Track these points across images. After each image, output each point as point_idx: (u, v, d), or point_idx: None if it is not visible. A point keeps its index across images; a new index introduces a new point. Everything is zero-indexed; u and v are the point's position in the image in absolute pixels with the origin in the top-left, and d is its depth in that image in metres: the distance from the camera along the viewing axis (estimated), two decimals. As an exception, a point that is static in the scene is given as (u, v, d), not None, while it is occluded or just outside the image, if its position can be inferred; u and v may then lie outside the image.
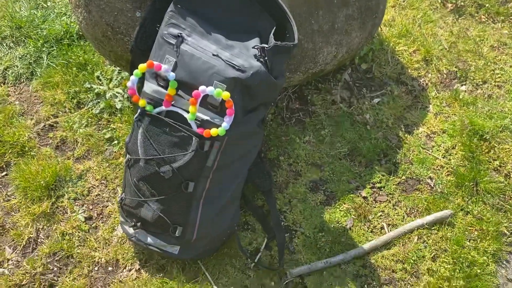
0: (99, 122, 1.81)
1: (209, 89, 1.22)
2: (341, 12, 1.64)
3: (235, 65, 1.23)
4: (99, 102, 1.84)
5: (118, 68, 1.89)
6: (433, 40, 2.08)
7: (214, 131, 1.25)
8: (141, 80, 1.35)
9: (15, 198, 1.65)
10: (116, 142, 1.76)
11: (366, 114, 1.82)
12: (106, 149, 1.76)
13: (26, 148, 1.75)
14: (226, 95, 1.22)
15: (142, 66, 1.26)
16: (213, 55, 1.24)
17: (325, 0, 1.59)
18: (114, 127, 1.79)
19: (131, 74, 1.47)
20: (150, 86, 1.31)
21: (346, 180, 1.69)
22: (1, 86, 1.93)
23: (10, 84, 1.94)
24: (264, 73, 1.24)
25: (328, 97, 1.88)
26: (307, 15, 1.57)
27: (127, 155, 1.40)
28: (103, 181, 1.69)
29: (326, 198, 1.65)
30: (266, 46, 1.21)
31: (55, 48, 1.98)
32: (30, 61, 1.97)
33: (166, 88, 1.29)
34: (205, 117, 1.28)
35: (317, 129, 1.80)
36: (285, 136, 1.78)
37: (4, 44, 2.04)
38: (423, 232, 1.56)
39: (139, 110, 1.34)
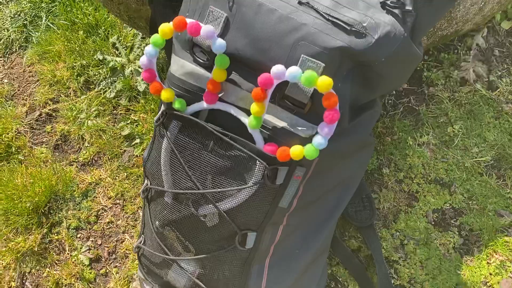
0: (115, 111, 1.25)
1: (292, 71, 0.61)
2: None
3: (345, 23, 0.61)
4: (115, 81, 1.27)
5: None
6: None
7: (297, 150, 0.65)
8: (167, 54, 0.77)
9: (-5, 224, 1.14)
10: (138, 141, 1.20)
11: (520, 102, 1.16)
12: (124, 151, 1.20)
13: (13, 149, 1.22)
14: (325, 83, 0.60)
15: (166, 28, 0.66)
16: (300, 3, 0.63)
17: None
18: (136, 118, 1.22)
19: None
20: (180, 65, 0.72)
21: (493, 211, 1.05)
22: (-13, 57, 1.41)
23: (-1, 55, 1.40)
24: (401, 38, 0.62)
25: (455, 73, 1.22)
26: None
27: (146, 180, 0.83)
28: (118, 201, 1.15)
29: (463, 241, 1.03)
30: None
31: (57, 3, 1.41)
32: (25, 21, 1.42)
33: (209, 68, 0.69)
34: (280, 124, 0.68)
35: (440, 124, 1.16)
36: (389, 136, 1.16)
37: (-6, 0, 1.49)
38: None
39: (161, 108, 0.76)
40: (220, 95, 0.70)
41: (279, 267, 0.82)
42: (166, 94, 0.71)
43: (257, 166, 0.69)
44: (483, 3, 1.05)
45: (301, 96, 0.64)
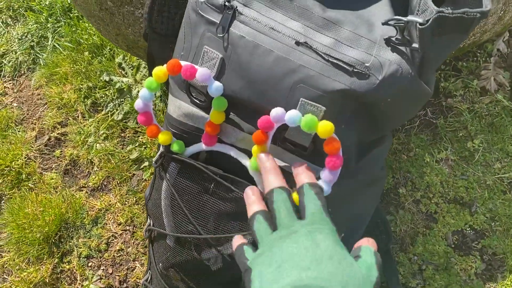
0: (123, 134, 1.23)
1: (291, 115, 0.57)
2: None
3: (346, 64, 0.57)
4: (122, 102, 1.25)
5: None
6: None
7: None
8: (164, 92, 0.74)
9: (8, 253, 1.14)
10: (146, 164, 1.18)
11: (546, 113, 1.09)
12: (133, 175, 1.18)
13: (23, 176, 1.22)
14: (326, 128, 0.56)
15: (160, 72, 0.63)
16: (297, 43, 0.58)
17: None
18: (144, 141, 1.20)
19: (150, 75, 0.86)
20: (177, 105, 0.69)
21: (519, 232, 1.00)
22: (-3, 80, 1.40)
23: (8, 77, 1.40)
24: (408, 77, 0.57)
25: (475, 83, 1.15)
26: None
27: (148, 220, 0.81)
28: (128, 227, 1.13)
29: (485, 266, 0.98)
30: (419, 20, 0.52)
31: (62, 23, 1.39)
32: (32, 43, 1.41)
33: (207, 109, 0.66)
34: (281, 163, 0.64)
35: (459, 139, 1.11)
36: (405, 152, 1.11)
37: None
38: None
39: (160, 150, 0.73)
40: (219, 136, 0.67)
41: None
42: (163, 137, 0.68)
43: (259, 210, 0.66)
44: (502, 12, 0.98)
45: (302, 139, 0.61)
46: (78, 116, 1.27)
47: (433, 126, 1.14)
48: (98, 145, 1.22)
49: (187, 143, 0.69)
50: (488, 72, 1.18)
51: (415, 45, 0.55)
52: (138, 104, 0.67)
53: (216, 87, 0.61)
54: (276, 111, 0.58)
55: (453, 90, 1.16)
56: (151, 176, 1.17)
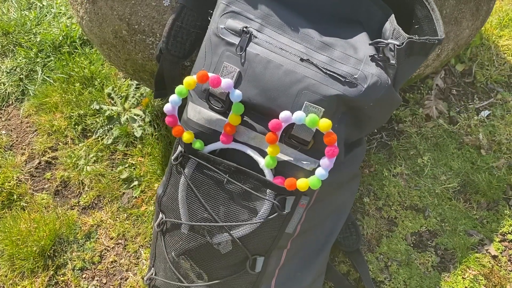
0: (113, 156, 1.33)
1: (297, 115, 0.74)
2: (451, -8, 1.15)
3: (339, 75, 0.75)
4: (111, 128, 1.36)
5: (135, 81, 1.42)
6: (546, 30, 1.58)
7: (303, 183, 0.77)
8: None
9: (0, 270, 1.18)
10: (136, 183, 1.28)
11: (478, 134, 1.33)
12: (123, 193, 1.28)
13: (15, 196, 1.27)
14: (325, 124, 0.73)
15: (190, 80, 0.77)
16: (302, 59, 0.76)
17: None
18: (133, 162, 1.31)
19: (156, 96, 1.00)
20: (198, 111, 0.83)
21: (464, 231, 1.19)
22: (-17, 110, 1.46)
23: (-5, 107, 1.46)
24: (386, 86, 0.76)
25: (420, 111, 1.38)
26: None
27: (160, 215, 0.92)
28: (120, 241, 1.21)
29: (439, 259, 1.16)
30: (396, 43, 0.72)
31: (52, 58, 1.50)
32: (21, 76, 1.50)
33: (223, 113, 0.81)
34: (286, 158, 0.79)
35: (410, 156, 1.31)
36: (367, 168, 1.29)
37: (-13, 55, 1.57)
38: None
39: (178, 149, 0.86)
40: (234, 136, 0.81)
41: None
42: (187, 136, 0.81)
43: (267, 196, 0.80)
44: (439, 50, 1.22)
45: (305, 135, 0.76)
46: (68, 142, 1.36)
47: (388, 146, 1.34)
48: (88, 167, 1.31)
49: (205, 141, 0.83)
50: (430, 102, 1.41)
51: (393, 61, 0.74)
52: (167, 107, 0.80)
53: (237, 94, 0.76)
54: (285, 113, 0.75)
55: (403, 117, 1.38)
56: (142, 193, 1.27)
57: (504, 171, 1.26)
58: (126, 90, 1.41)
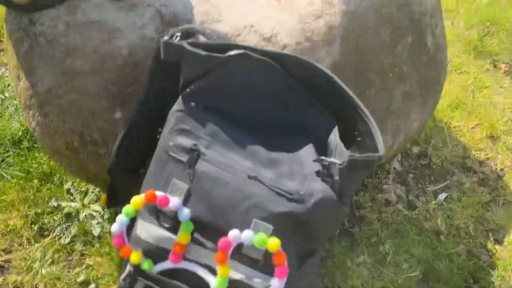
0: (70, 257, 1.29)
1: (246, 235, 0.74)
2: (398, 89, 1.21)
3: (286, 192, 0.75)
4: (69, 226, 1.33)
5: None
6: (494, 110, 1.66)
7: (255, 302, 0.76)
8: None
9: None
10: (93, 286, 1.23)
11: (437, 219, 1.35)
12: (80, 297, 1.22)
13: (-38, 307, 1.21)
14: (274, 244, 0.73)
15: (138, 201, 0.77)
16: (249, 177, 0.77)
17: (377, 75, 1.16)
18: (91, 263, 1.27)
19: (109, 206, 0.99)
20: (147, 229, 0.82)
21: (430, 322, 1.18)
22: None
23: None
24: (332, 201, 0.77)
25: (379, 196, 1.41)
26: (356, 95, 1.12)
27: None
28: None
29: None
30: (338, 162, 0.74)
31: (11, 153, 1.48)
32: (-23, 173, 1.47)
33: (173, 230, 0.80)
34: (238, 276, 0.78)
35: (372, 244, 1.31)
36: (330, 258, 1.29)
37: None
38: None
39: (128, 268, 0.83)
40: (184, 254, 0.80)
41: None
42: (135, 257, 0.79)
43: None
44: (392, 141, 1.26)
45: (256, 253, 0.76)
46: (23, 242, 1.32)
47: (350, 234, 1.34)
48: (44, 270, 1.26)
49: (154, 261, 0.81)
50: (389, 186, 1.44)
51: (336, 177, 0.75)
52: (114, 227, 0.79)
53: (186, 213, 0.76)
54: (234, 233, 0.75)
55: (363, 202, 1.40)
56: (99, 297, 1.22)
57: (463, 257, 1.27)
58: (86, 185, 1.40)
